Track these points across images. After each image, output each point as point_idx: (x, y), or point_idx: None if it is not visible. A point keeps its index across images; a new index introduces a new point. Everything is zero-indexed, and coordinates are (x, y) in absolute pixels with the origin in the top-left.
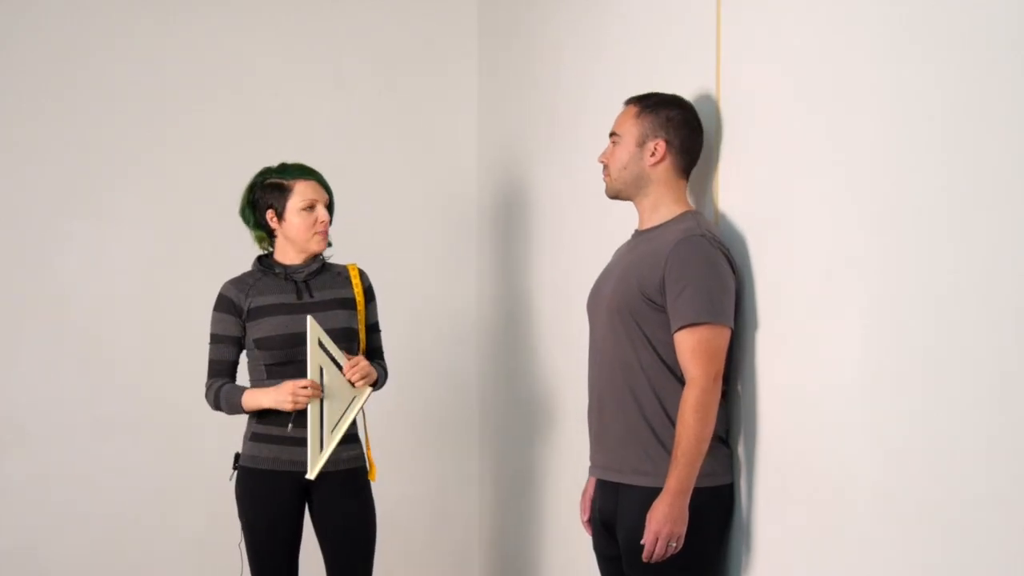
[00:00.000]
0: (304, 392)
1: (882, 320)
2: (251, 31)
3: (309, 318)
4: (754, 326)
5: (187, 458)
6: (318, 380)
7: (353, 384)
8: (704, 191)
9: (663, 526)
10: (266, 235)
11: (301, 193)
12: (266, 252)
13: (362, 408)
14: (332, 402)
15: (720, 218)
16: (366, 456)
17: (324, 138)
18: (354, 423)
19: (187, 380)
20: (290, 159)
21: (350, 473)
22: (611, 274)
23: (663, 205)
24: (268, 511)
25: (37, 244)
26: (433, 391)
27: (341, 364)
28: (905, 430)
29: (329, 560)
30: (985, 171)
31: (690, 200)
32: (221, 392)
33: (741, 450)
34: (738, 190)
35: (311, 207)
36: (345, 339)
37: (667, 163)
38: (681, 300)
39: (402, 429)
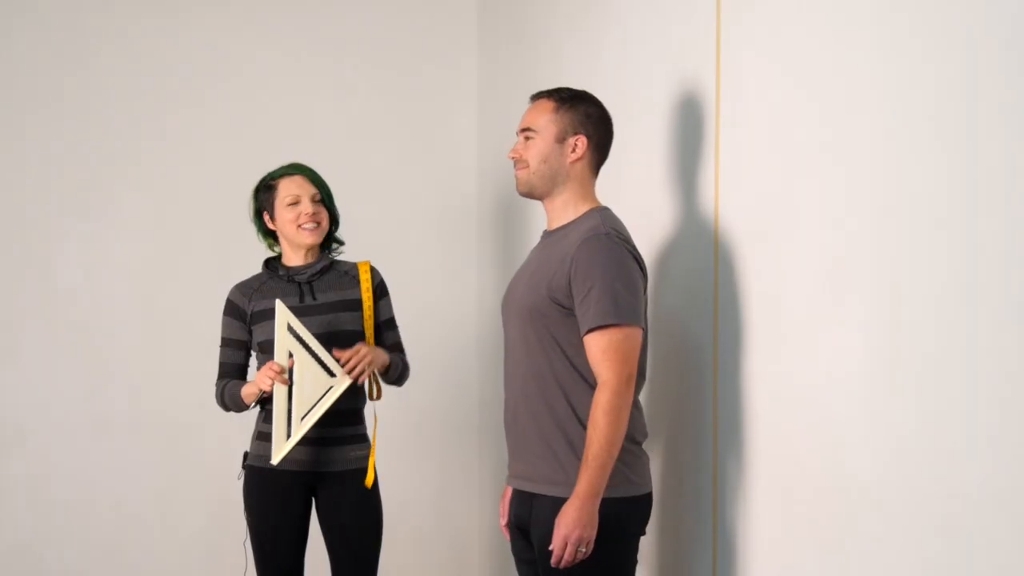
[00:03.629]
0: (268, 374)
1: (882, 320)
2: (251, 32)
3: (278, 302)
4: (754, 325)
5: (187, 458)
6: (286, 365)
7: (351, 375)
8: (704, 191)
9: (572, 531)
10: (274, 240)
11: (285, 189)
12: (275, 254)
13: (374, 412)
14: (302, 389)
15: (720, 218)
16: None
17: (324, 138)
18: (361, 420)
19: (187, 380)
20: (290, 160)
21: (358, 473)
22: (522, 276)
23: (572, 204)
24: (273, 510)
25: (37, 244)
26: (433, 391)
27: (315, 351)
28: (905, 430)
29: (335, 560)
30: (984, 171)
31: (599, 198)
32: (225, 391)
33: (741, 450)
34: (738, 190)
35: (296, 202)
36: (350, 342)
37: (585, 160)
38: (587, 302)
39: (402, 429)
